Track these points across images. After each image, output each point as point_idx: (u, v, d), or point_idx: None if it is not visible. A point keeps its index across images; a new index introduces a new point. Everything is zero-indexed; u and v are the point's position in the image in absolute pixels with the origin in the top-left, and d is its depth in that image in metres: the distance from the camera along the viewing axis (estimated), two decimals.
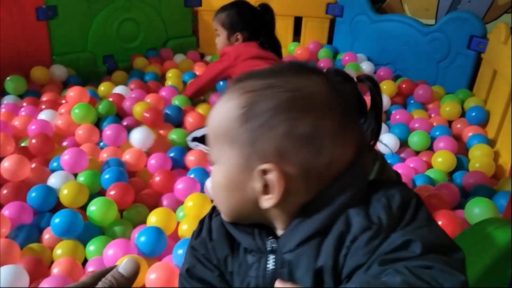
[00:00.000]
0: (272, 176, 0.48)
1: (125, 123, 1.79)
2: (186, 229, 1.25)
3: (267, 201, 0.50)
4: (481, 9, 2.30)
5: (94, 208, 1.28)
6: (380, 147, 1.45)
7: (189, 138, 1.68)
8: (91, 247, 1.21)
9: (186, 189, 1.39)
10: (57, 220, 1.22)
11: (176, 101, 1.98)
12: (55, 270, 1.12)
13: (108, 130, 1.64)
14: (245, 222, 0.54)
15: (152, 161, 1.54)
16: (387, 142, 1.72)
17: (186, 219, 1.29)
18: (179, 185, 1.41)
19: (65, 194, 1.33)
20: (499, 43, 1.91)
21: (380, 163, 1.11)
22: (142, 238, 1.18)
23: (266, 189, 0.49)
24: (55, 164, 1.51)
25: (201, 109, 1.87)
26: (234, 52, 1.86)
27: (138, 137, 1.63)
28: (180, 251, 1.15)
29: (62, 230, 1.21)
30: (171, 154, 1.61)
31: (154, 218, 1.27)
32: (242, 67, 1.81)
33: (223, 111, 0.51)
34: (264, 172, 0.48)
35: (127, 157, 1.58)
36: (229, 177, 0.51)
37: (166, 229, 1.25)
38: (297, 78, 0.50)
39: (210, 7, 2.71)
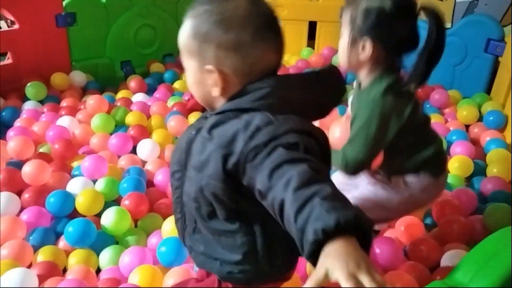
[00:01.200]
0: (214, 73, 0.72)
1: (132, 132, 1.76)
2: None
3: (215, 90, 0.73)
4: (499, 12, 2.28)
5: (108, 217, 1.29)
6: None
7: None
8: (104, 256, 1.22)
9: None
10: (70, 229, 1.23)
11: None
12: (69, 277, 1.14)
13: (114, 138, 1.66)
14: (210, 107, 0.79)
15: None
16: None
17: None
18: None
19: (80, 201, 1.34)
20: None
21: (412, 107, 1.07)
22: (163, 249, 1.19)
23: (214, 83, 0.73)
24: (76, 172, 1.53)
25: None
26: None
27: (144, 149, 1.64)
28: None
29: (75, 239, 1.23)
30: None
31: (168, 226, 1.27)
32: None
33: (183, 32, 0.75)
34: (210, 71, 0.72)
35: (149, 167, 1.59)
36: (194, 77, 0.76)
37: None
38: (224, 3, 0.72)
39: None
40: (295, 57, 2.66)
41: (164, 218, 1.35)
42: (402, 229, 1.31)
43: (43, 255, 1.20)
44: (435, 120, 1.94)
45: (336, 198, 0.54)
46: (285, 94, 0.72)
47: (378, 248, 1.17)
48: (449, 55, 2.23)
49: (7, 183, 1.41)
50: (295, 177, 0.57)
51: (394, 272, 1.08)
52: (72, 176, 1.51)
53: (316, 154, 0.65)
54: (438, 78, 2.28)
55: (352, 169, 1.08)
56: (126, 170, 1.54)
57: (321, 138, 0.71)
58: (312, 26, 2.75)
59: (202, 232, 0.80)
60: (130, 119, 1.84)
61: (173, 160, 0.82)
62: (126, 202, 1.37)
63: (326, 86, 0.79)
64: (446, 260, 1.18)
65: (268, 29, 0.73)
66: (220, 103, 0.76)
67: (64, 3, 2.21)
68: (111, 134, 1.74)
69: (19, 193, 1.41)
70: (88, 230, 1.24)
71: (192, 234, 0.82)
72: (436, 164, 1.17)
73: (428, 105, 2.11)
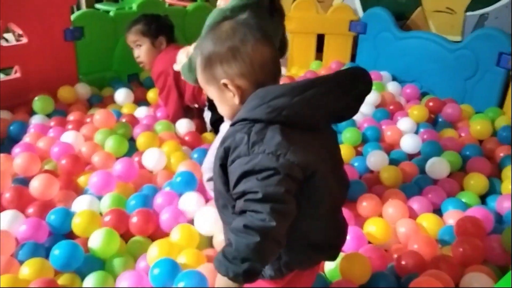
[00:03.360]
0: (228, 84, 0.84)
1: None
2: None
3: (236, 99, 0.85)
4: (510, 25, 2.25)
5: (95, 240, 1.22)
6: None
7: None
8: (88, 283, 1.15)
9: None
10: (56, 252, 1.17)
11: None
12: None
13: (119, 163, 1.55)
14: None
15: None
16: (436, 167, 1.65)
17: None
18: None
19: (77, 223, 1.29)
20: None
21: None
22: (156, 271, 1.13)
23: (233, 94, 0.85)
24: (89, 192, 1.50)
25: None
26: (168, 67, 1.84)
27: (151, 159, 1.61)
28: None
29: (61, 263, 1.17)
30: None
31: (155, 251, 1.21)
32: None
33: (198, 74, 0.90)
34: (225, 85, 0.85)
35: (158, 179, 1.57)
36: (218, 99, 0.89)
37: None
38: (213, 32, 0.87)
39: None
40: (304, 69, 2.64)
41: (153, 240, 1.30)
42: (415, 247, 1.28)
43: (29, 267, 1.15)
44: (449, 135, 1.91)
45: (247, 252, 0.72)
46: (278, 103, 0.78)
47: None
48: (460, 69, 2.22)
49: (14, 200, 1.38)
50: (242, 222, 0.74)
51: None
52: (84, 193, 1.48)
53: (287, 193, 0.76)
54: (449, 92, 2.26)
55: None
56: (140, 189, 1.52)
57: (302, 169, 0.79)
58: (320, 38, 2.74)
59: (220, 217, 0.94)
60: (141, 140, 1.78)
61: None
62: (106, 218, 1.31)
63: (347, 94, 0.85)
64: (465, 282, 1.14)
65: (251, 29, 0.86)
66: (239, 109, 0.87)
67: (72, 17, 2.21)
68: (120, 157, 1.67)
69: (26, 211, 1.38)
70: (75, 254, 1.18)
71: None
72: None
73: (441, 119, 2.08)
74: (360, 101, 0.87)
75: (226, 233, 0.90)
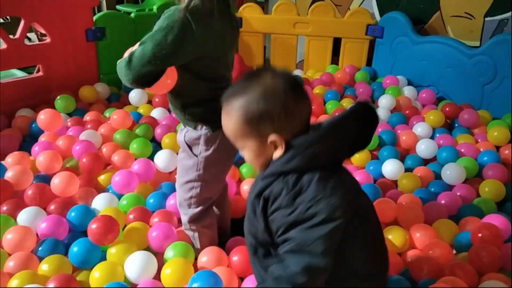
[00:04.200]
0: (277, 141, 0.83)
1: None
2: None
3: (278, 152, 0.84)
4: None
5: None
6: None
7: None
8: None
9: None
10: (75, 249, 1.20)
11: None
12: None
13: (137, 163, 1.60)
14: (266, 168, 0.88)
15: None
16: (452, 173, 1.65)
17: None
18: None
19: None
20: None
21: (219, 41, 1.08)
22: (195, 285, 1.13)
23: (275, 148, 0.84)
24: (111, 190, 1.54)
25: None
26: None
27: (162, 159, 1.64)
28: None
29: (79, 261, 1.20)
30: None
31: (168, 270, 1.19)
32: None
33: (232, 124, 0.85)
34: (272, 141, 0.83)
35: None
36: (255, 152, 0.86)
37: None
38: (254, 87, 0.83)
39: (250, 28, 2.76)
40: (319, 73, 2.65)
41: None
42: (430, 253, 1.29)
43: (48, 264, 1.18)
44: (465, 141, 1.90)
45: None
46: (312, 152, 0.81)
47: None
48: (478, 74, 2.21)
49: (36, 197, 1.42)
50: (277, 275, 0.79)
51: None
52: (106, 191, 1.52)
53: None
54: (466, 97, 2.25)
55: (135, 69, 1.02)
56: (159, 186, 1.55)
57: (345, 209, 0.81)
58: (336, 42, 2.74)
59: (256, 265, 0.94)
60: (166, 140, 1.82)
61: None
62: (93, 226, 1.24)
63: (360, 128, 0.87)
64: None
65: (296, 84, 0.84)
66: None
67: (94, 18, 2.26)
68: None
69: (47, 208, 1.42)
70: (93, 252, 1.22)
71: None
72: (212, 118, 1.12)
73: (457, 125, 2.07)
74: (372, 133, 0.91)
75: (258, 268, 0.92)
